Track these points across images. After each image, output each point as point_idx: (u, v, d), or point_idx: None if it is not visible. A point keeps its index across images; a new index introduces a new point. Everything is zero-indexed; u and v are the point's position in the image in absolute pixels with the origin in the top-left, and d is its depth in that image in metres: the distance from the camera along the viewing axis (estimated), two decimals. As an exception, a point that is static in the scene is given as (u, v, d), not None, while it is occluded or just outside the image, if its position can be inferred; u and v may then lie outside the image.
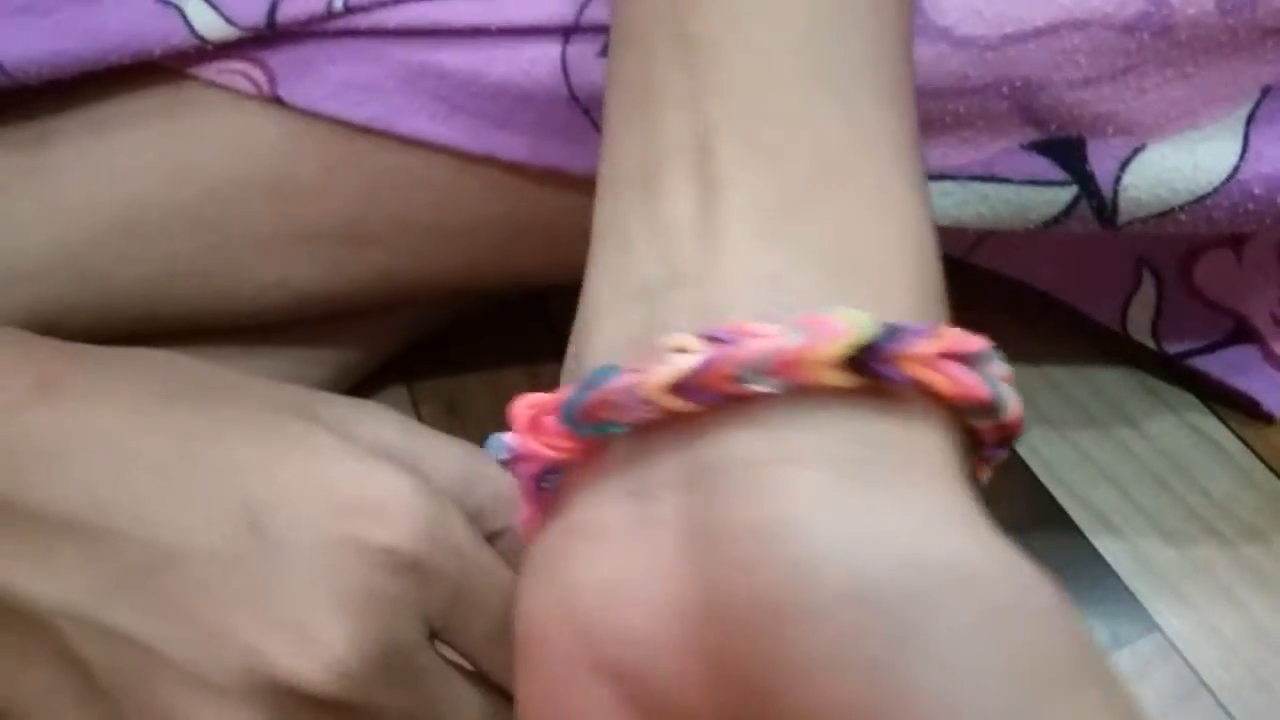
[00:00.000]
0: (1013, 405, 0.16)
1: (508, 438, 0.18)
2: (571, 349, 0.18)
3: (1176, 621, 0.31)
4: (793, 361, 0.15)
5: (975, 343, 0.16)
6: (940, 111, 0.27)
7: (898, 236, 0.18)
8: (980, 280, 0.34)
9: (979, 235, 0.32)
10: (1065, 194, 0.27)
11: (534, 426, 0.17)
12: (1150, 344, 0.34)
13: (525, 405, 0.17)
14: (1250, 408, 0.34)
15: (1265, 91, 0.26)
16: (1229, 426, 0.34)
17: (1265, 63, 0.26)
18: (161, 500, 0.23)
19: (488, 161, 0.30)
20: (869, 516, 0.15)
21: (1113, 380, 0.36)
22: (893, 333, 0.15)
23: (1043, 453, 0.35)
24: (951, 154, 0.27)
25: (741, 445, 0.16)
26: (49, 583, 0.23)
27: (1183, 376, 0.35)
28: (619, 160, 0.19)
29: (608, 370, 0.16)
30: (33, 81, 0.29)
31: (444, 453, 0.27)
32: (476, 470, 0.27)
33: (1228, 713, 0.29)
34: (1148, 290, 0.34)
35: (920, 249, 0.18)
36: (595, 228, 0.19)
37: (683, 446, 0.16)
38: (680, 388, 0.15)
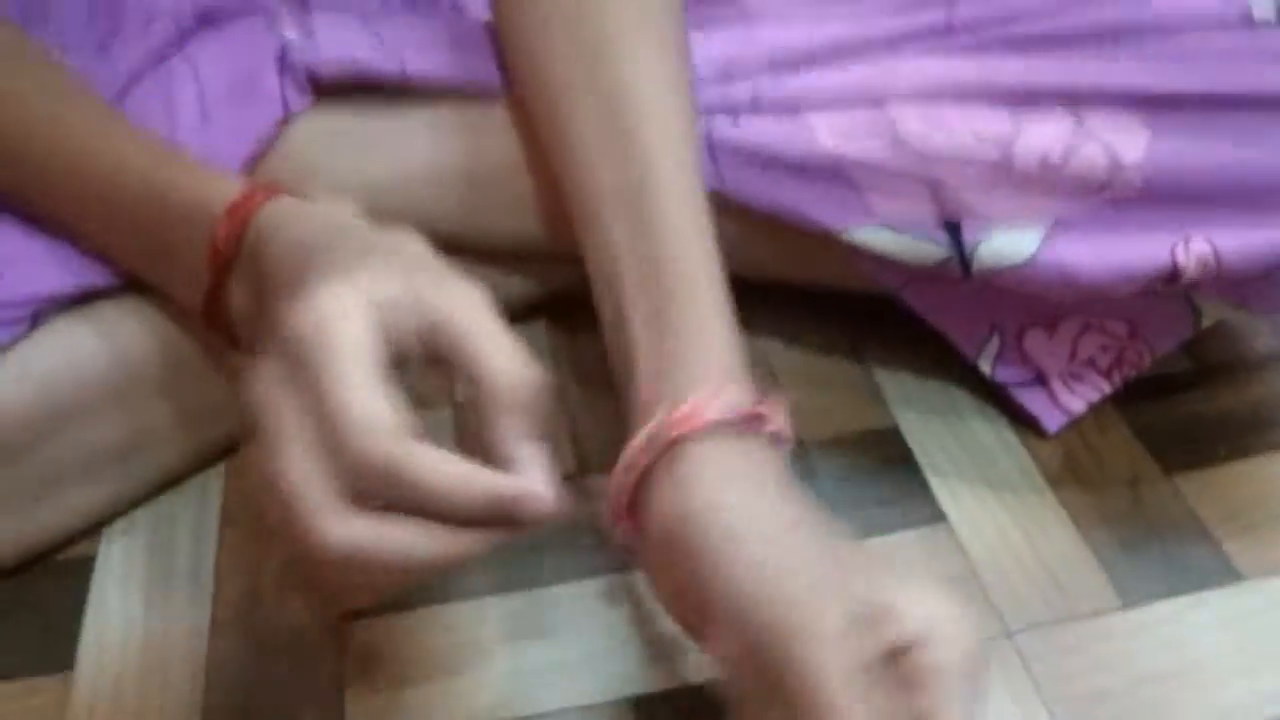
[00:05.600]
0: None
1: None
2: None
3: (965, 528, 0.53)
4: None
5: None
6: (891, 187, 0.50)
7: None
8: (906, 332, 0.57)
9: (905, 279, 0.55)
10: (944, 251, 0.50)
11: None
12: (988, 374, 0.57)
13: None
14: (1034, 424, 0.57)
15: (1057, 220, 0.49)
16: (1017, 434, 0.57)
17: (1059, 203, 0.49)
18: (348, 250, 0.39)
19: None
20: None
21: (963, 398, 0.59)
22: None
23: (914, 433, 0.57)
24: (894, 214, 0.51)
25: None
26: None
27: (999, 398, 0.58)
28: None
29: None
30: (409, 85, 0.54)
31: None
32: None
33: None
34: (994, 342, 0.57)
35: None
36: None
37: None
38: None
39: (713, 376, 0.42)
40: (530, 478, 0.35)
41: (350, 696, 0.46)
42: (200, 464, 0.55)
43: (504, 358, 0.36)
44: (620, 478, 0.41)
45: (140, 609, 0.49)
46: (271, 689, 0.47)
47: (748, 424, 0.41)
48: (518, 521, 0.35)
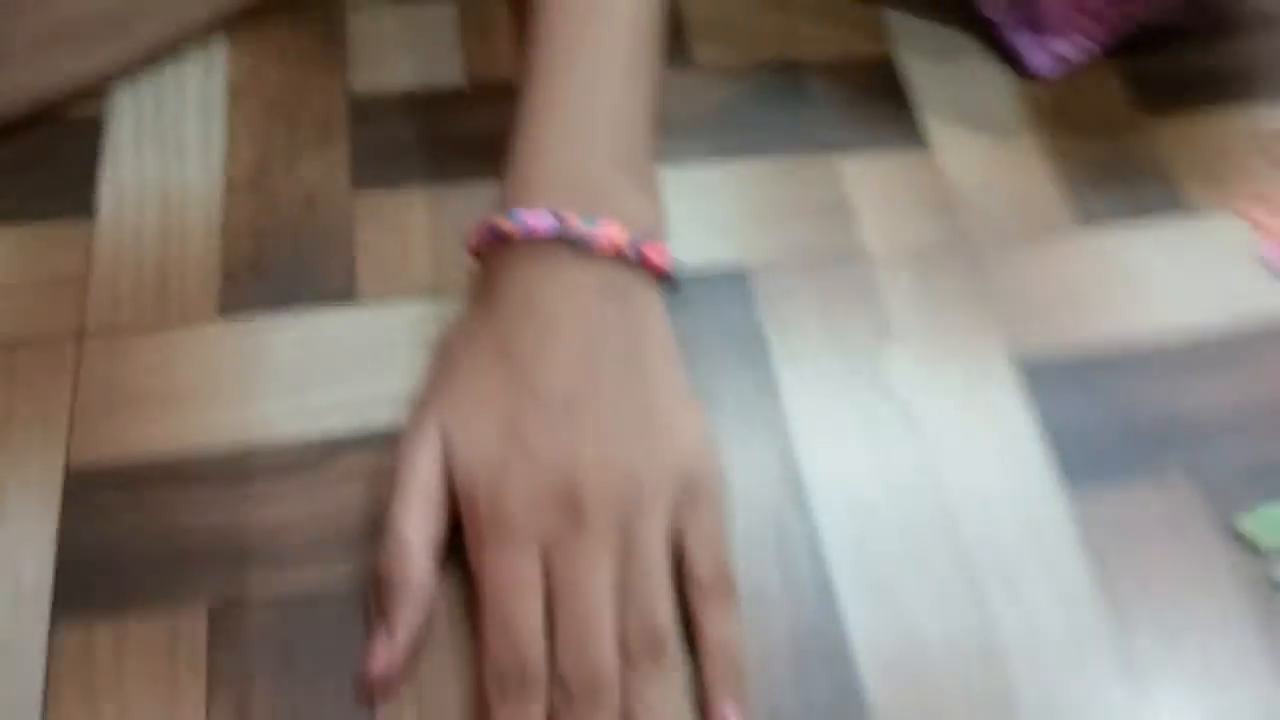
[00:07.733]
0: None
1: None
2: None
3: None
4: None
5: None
6: None
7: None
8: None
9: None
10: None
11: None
12: (979, 8, 0.58)
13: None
14: (1019, 64, 0.59)
15: None
16: (1011, 76, 0.59)
17: None
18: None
19: None
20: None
21: (965, 42, 0.61)
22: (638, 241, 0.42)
23: (911, 65, 0.59)
24: None
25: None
26: None
27: (1001, 44, 0.60)
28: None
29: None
30: None
31: None
32: None
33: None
34: (993, -18, 0.58)
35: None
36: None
37: None
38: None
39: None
40: None
41: (362, 265, 0.49)
42: (198, 35, 0.56)
43: None
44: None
45: (155, 167, 0.51)
46: (286, 242, 0.50)
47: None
48: None
